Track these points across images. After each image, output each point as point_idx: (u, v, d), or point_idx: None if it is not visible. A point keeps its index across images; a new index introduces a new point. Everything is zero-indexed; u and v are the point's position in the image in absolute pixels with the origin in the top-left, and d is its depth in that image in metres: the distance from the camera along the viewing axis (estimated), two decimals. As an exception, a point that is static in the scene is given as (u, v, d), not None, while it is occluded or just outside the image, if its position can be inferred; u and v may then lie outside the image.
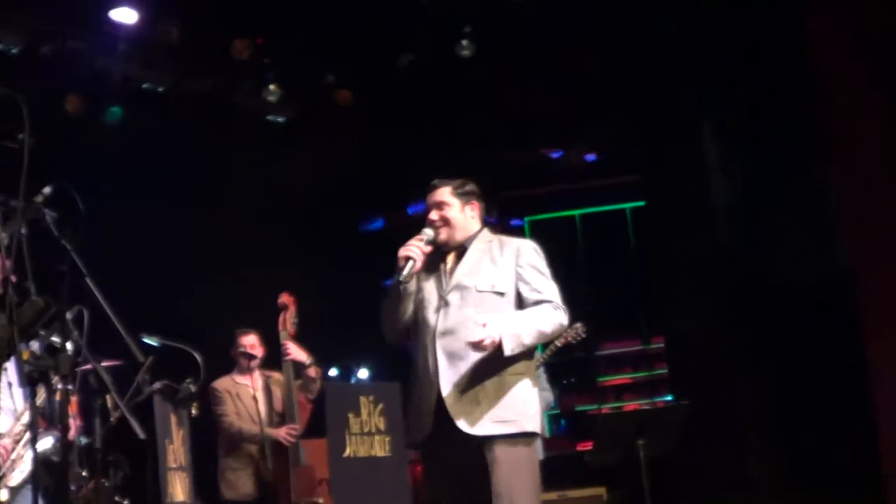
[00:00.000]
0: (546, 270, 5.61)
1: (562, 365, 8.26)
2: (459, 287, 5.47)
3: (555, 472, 10.02)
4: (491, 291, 5.46)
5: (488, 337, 5.18)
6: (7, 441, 5.73)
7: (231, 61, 10.84)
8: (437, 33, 10.85)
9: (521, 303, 5.50)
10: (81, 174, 5.18)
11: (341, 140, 11.91)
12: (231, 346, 8.57)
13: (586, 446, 10.74)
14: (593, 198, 14.46)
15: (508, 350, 5.25)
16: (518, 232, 14.44)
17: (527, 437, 5.40)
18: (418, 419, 5.42)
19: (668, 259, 11.10)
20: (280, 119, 11.72)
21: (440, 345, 5.37)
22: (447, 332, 5.39)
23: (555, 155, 13.41)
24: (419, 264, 5.42)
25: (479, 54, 10.81)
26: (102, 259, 5.02)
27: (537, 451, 5.62)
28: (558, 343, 8.34)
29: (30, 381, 4.81)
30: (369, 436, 7.39)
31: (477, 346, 5.21)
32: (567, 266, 14.04)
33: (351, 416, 7.36)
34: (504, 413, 5.31)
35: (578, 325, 8.34)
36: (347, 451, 7.36)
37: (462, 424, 5.26)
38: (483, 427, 5.28)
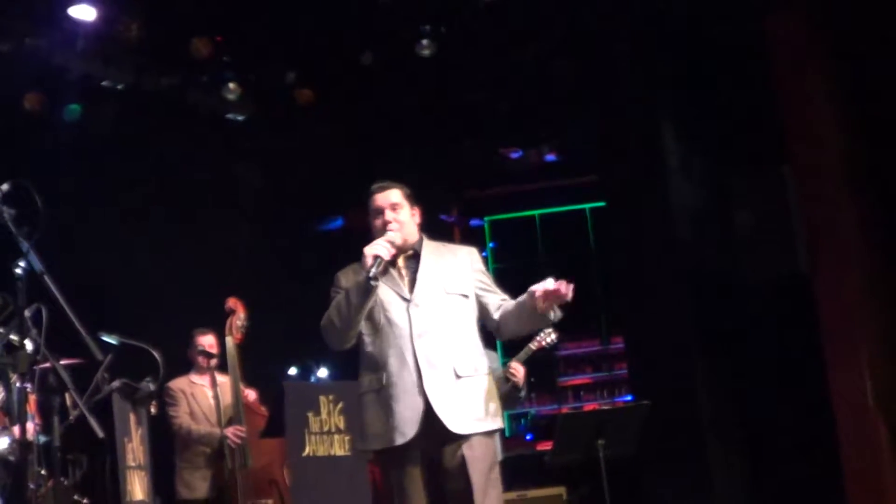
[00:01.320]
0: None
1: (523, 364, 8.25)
2: (426, 289, 5.50)
3: (515, 471, 10.05)
4: (458, 294, 5.55)
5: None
6: None
7: (190, 59, 10.79)
8: (398, 32, 10.85)
9: (480, 306, 5.61)
10: (39, 172, 5.14)
11: (301, 139, 11.89)
12: (188, 346, 8.53)
13: (546, 446, 10.75)
14: (553, 198, 14.50)
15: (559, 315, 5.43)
16: (478, 232, 14.48)
17: (496, 432, 5.57)
18: (394, 422, 5.37)
19: (628, 260, 11.12)
20: (239, 117, 11.68)
21: (418, 346, 5.39)
22: (423, 334, 5.41)
23: (514, 155, 13.43)
24: (384, 264, 5.42)
25: (439, 53, 10.82)
26: (60, 257, 5.00)
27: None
28: (533, 346, 8.35)
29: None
30: (329, 435, 7.37)
31: (552, 295, 5.26)
32: (527, 266, 14.14)
33: (310, 415, 7.34)
34: (482, 411, 5.42)
35: (550, 329, 8.37)
36: (307, 451, 7.34)
37: (451, 424, 5.32)
38: (468, 426, 5.35)
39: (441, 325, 5.44)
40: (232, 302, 8.27)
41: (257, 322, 8.39)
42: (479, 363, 5.50)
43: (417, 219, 5.70)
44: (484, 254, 13.99)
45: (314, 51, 10.91)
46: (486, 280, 5.69)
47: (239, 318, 8.19)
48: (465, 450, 5.33)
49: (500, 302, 5.62)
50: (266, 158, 12.06)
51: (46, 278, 4.53)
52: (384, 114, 11.81)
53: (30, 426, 5.88)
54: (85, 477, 8.62)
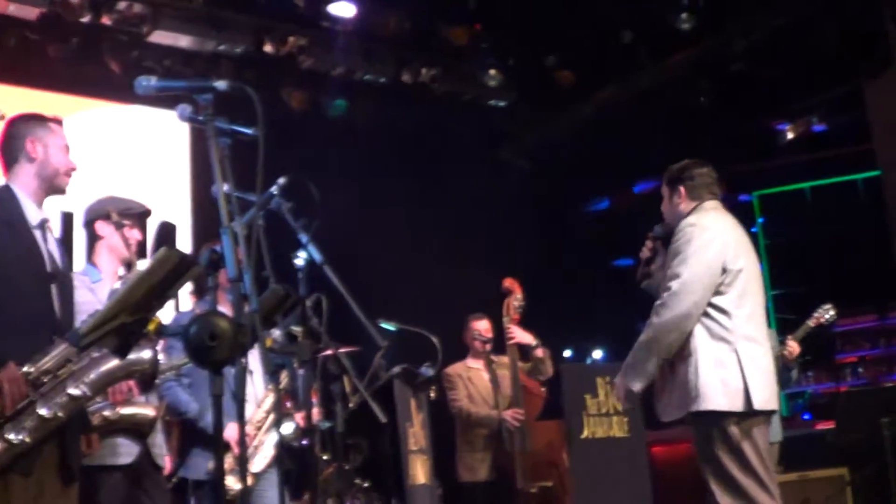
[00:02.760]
0: (684, 249, 5.45)
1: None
2: None
3: (794, 452, 9.77)
4: None
5: None
6: (249, 428, 5.85)
7: (449, 49, 10.90)
8: (657, 8, 10.69)
9: None
10: (307, 167, 5.24)
11: (564, 121, 11.86)
12: (463, 331, 8.58)
13: (825, 426, 10.42)
14: (824, 169, 14.05)
15: None
16: (747, 207, 14.17)
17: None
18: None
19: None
20: (501, 103, 11.74)
21: None
22: None
23: (781, 127, 13.06)
24: None
25: (700, 27, 10.62)
26: (335, 247, 5.08)
27: None
28: (811, 324, 8.10)
29: (273, 368, 4.92)
30: (607, 417, 7.32)
31: None
32: (799, 240, 13.75)
33: (588, 397, 7.30)
34: None
35: (828, 305, 8.10)
36: (585, 433, 7.31)
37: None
38: None
39: None
40: (508, 283, 8.27)
41: (530, 304, 8.38)
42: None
43: (678, 198, 5.68)
44: (753, 229, 13.70)
45: (573, 32, 10.85)
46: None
47: (516, 299, 8.19)
48: None
49: None
50: (529, 142, 12.07)
51: (326, 268, 4.62)
52: (646, 91, 11.66)
53: (315, 412, 6.05)
54: (366, 461, 8.82)
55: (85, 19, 9.58)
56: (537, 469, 7.95)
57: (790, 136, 13.02)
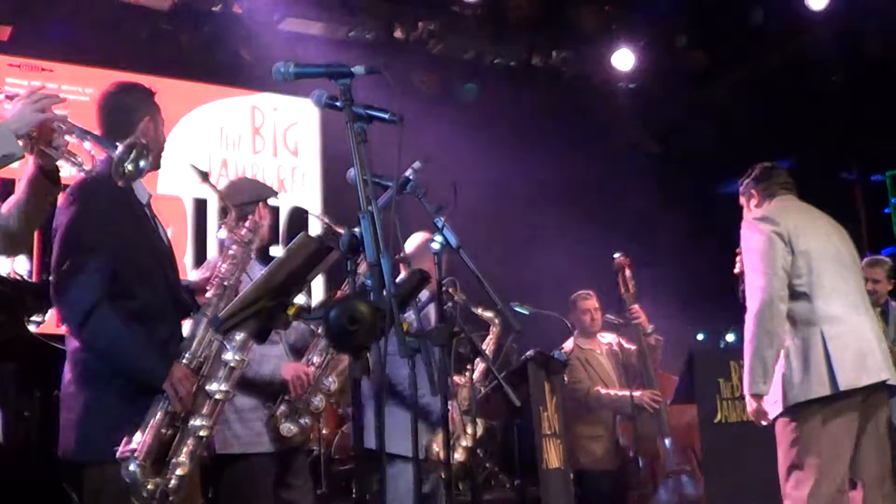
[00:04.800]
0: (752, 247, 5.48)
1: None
2: None
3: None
4: None
5: None
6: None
7: (580, 30, 10.85)
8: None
9: None
10: (439, 151, 5.25)
11: (696, 102, 11.74)
12: (571, 311, 8.44)
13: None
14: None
15: None
16: (880, 187, 13.84)
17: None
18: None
19: None
20: (631, 85, 11.66)
21: None
22: None
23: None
24: None
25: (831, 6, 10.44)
26: (466, 231, 5.08)
27: None
28: None
29: (409, 351, 4.92)
30: (741, 400, 7.20)
31: None
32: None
33: (721, 381, 7.20)
34: None
35: None
36: (719, 417, 7.21)
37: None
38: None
39: None
40: (620, 259, 8.16)
41: (664, 287, 8.30)
42: None
43: (753, 203, 5.80)
44: (886, 210, 13.37)
45: (704, 12, 10.73)
46: None
47: (628, 276, 8.09)
48: None
49: None
50: (656, 123, 11.98)
51: (462, 253, 4.62)
52: (776, 73, 11.49)
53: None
54: (498, 445, 8.81)
55: (216, 8, 9.72)
56: (675, 454, 7.88)
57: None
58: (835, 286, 5.35)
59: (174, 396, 3.96)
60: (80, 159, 3.78)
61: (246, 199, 5.31)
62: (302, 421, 5.23)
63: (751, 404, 5.33)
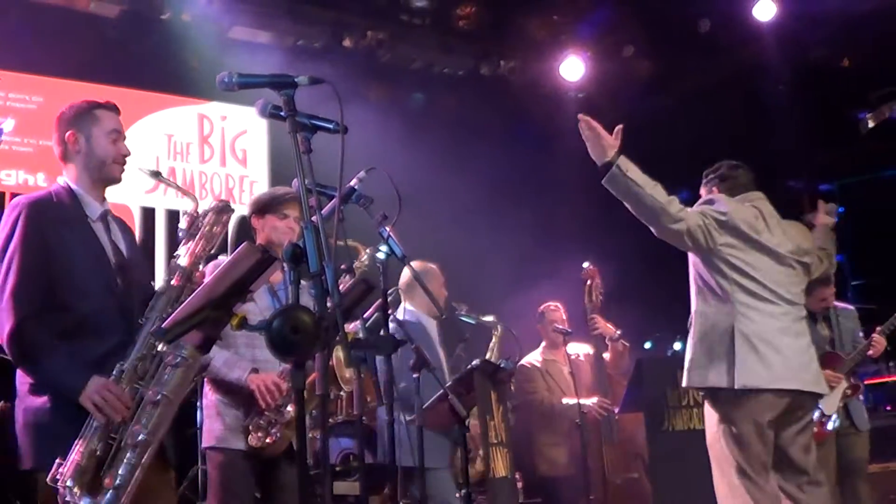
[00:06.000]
0: None
1: None
2: None
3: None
4: None
5: None
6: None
7: (527, 40, 10.90)
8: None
9: None
10: (386, 161, 5.25)
11: (642, 111, 11.80)
12: (539, 321, 8.51)
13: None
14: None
15: None
16: (828, 196, 13.97)
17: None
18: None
19: None
20: (580, 94, 11.72)
21: None
22: None
23: (862, 115, 12.88)
24: None
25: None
26: (414, 240, 5.10)
27: None
28: None
29: (353, 361, 4.92)
30: (688, 409, 7.26)
31: None
32: (880, 230, 13.54)
33: (668, 389, 7.25)
34: None
35: None
36: (666, 425, 7.26)
37: None
38: None
39: None
40: (589, 269, 8.22)
41: (613, 295, 8.34)
42: None
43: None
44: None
45: (651, 22, 10.81)
46: None
47: (596, 286, 8.15)
48: None
49: None
50: (609, 132, 12.03)
51: (407, 262, 4.64)
52: (723, 82, 11.59)
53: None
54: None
55: (165, 16, 9.69)
56: (624, 461, 7.91)
57: (871, 124, 12.84)
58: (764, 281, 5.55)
59: (93, 409, 3.93)
60: None
61: None
62: (273, 431, 5.15)
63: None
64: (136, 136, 9.87)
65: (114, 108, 4.47)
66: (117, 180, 4.44)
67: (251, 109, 3.73)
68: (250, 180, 10.62)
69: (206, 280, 3.62)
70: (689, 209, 5.46)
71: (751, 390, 5.31)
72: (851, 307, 8.20)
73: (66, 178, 4.37)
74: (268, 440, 5.11)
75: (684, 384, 5.63)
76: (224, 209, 4.46)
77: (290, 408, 5.17)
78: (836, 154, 13.48)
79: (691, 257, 5.67)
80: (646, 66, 11.31)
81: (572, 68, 11.25)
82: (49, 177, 9.10)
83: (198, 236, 4.36)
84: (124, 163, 4.41)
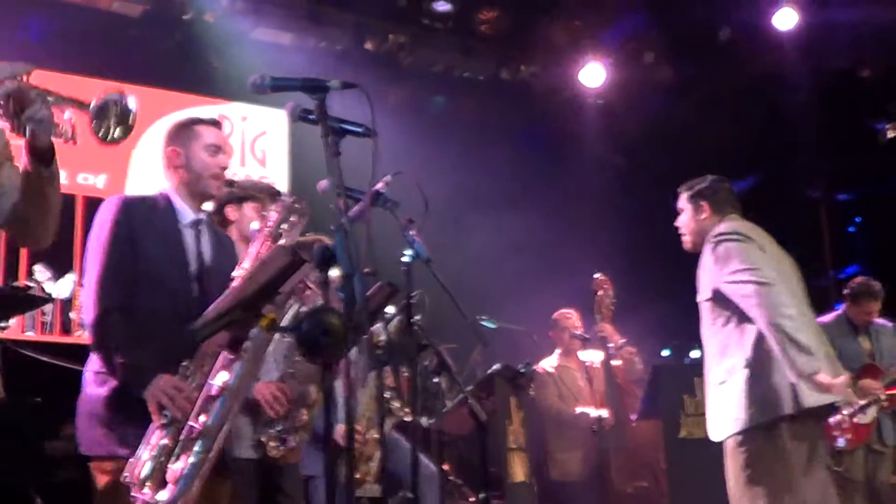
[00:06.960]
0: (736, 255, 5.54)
1: None
2: None
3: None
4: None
5: None
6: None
7: (548, 45, 10.91)
8: (755, 4, 10.63)
9: None
10: (408, 165, 5.26)
11: (657, 114, 11.82)
12: (553, 328, 8.51)
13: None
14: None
15: None
16: (845, 206, 13.93)
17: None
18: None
19: None
20: (600, 100, 11.72)
21: None
22: None
23: (881, 126, 12.86)
24: None
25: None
26: (437, 245, 5.10)
27: None
28: None
29: (376, 363, 4.94)
30: (704, 416, 7.25)
31: None
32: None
33: (686, 397, 7.25)
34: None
35: None
36: (682, 433, 7.26)
37: None
38: None
39: None
40: (600, 279, 8.23)
41: (629, 303, 8.34)
42: None
43: (702, 213, 5.74)
44: (850, 229, 13.45)
45: (672, 29, 10.81)
46: None
47: (608, 296, 8.15)
48: None
49: None
50: (620, 134, 12.05)
51: (431, 266, 4.64)
52: (743, 90, 11.58)
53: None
54: (461, 459, 8.81)
55: (187, 16, 9.71)
56: (633, 469, 7.91)
57: (890, 134, 12.81)
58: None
59: (154, 406, 3.97)
60: (65, 129, 3.80)
61: None
62: (290, 438, 5.18)
63: None
64: (155, 135, 9.88)
65: (215, 123, 4.64)
66: (213, 196, 4.62)
67: (271, 110, 3.77)
68: (269, 181, 10.61)
69: (235, 282, 3.64)
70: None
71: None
72: (890, 325, 8.22)
73: (169, 186, 4.52)
74: (287, 447, 5.13)
75: None
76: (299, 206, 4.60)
77: (303, 412, 5.20)
78: (855, 164, 13.46)
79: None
80: (666, 74, 11.30)
81: (593, 74, 11.24)
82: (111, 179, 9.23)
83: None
84: (222, 176, 4.54)
